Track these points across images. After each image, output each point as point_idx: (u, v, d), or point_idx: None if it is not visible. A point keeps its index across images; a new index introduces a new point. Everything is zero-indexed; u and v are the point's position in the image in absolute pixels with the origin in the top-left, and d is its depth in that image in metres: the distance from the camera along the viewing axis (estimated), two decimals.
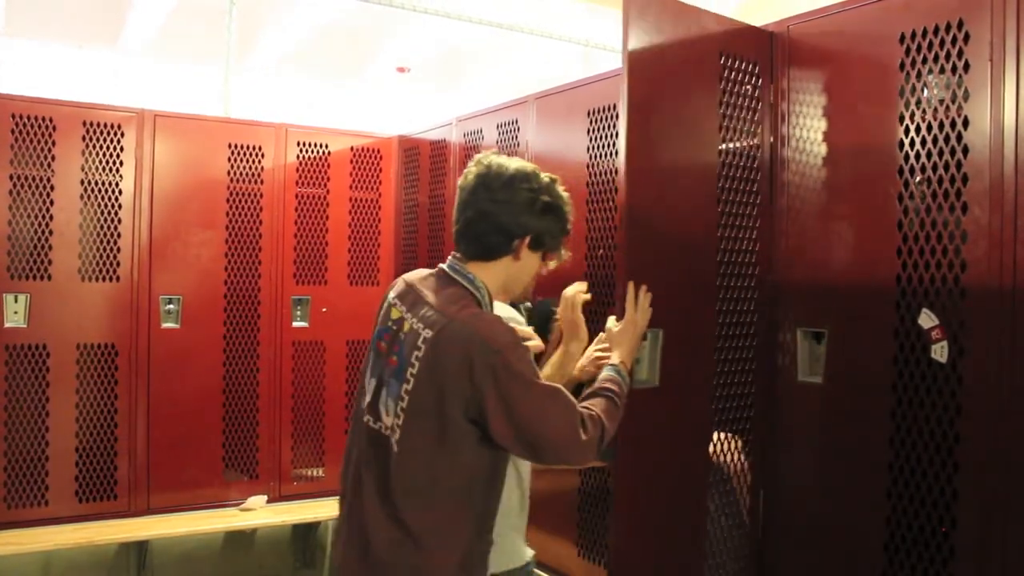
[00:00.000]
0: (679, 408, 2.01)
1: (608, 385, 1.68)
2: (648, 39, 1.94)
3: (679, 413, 2.01)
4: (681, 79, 2.04)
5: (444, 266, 1.70)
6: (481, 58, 6.42)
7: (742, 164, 2.19)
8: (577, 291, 1.96)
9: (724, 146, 2.19)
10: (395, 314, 1.67)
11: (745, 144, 2.19)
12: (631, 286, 1.82)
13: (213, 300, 3.63)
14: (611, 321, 1.85)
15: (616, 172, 2.64)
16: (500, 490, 1.65)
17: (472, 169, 1.68)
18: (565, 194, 1.72)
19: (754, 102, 2.17)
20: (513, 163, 1.67)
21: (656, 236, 1.98)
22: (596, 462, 1.67)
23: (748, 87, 2.17)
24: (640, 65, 1.90)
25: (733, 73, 2.10)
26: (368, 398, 1.68)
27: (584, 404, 1.62)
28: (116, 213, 3.44)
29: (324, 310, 3.85)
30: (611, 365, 1.74)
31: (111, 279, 3.43)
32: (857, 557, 1.89)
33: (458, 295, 1.63)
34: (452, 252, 1.72)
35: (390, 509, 1.57)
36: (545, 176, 1.69)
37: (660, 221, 2.00)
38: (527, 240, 1.66)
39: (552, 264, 1.77)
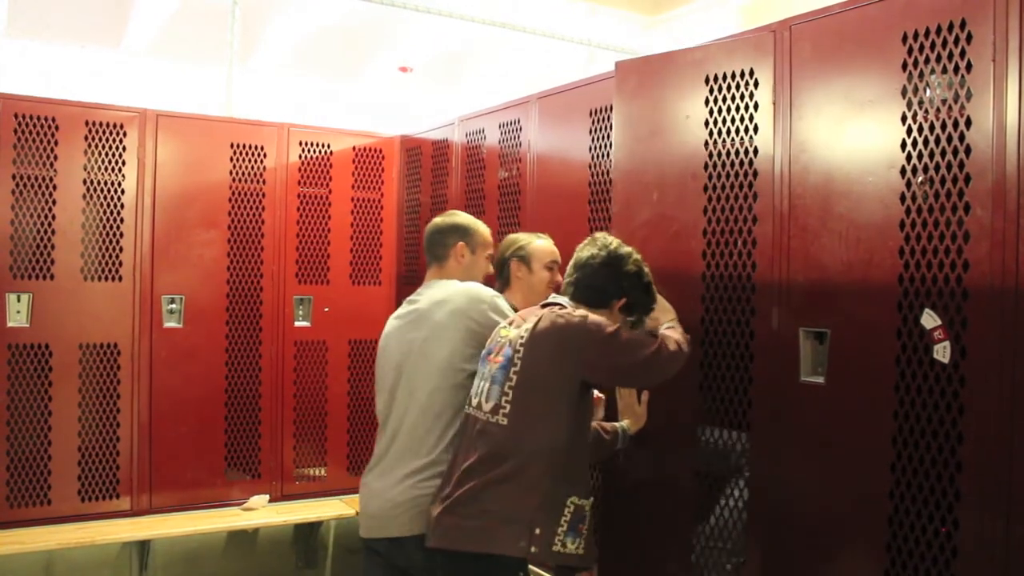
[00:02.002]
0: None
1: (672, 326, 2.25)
2: (633, 88, 2.51)
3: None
4: (663, 108, 2.44)
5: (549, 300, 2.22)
6: (483, 58, 6.41)
7: (741, 166, 2.19)
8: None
9: (717, 151, 2.26)
10: (503, 333, 2.17)
11: (743, 146, 2.19)
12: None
13: (215, 300, 3.63)
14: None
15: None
16: (580, 450, 2.09)
17: (588, 240, 2.22)
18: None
19: (752, 105, 2.17)
20: (623, 246, 2.19)
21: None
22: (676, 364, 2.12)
23: (744, 92, 2.20)
24: (625, 105, 2.52)
25: (722, 87, 2.26)
26: (475, 399, 2.14)
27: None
28: (119, 213, 3.45)
29: (326, 310, 3.85)
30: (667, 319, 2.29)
31: (113, 279, 3.44)
32: (860, 557, 1.89)
33: (553, 307, 2.13)
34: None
35: (502, 466, 2.00)
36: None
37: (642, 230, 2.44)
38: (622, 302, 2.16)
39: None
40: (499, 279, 2.62)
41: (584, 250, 2.20)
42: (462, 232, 2.43)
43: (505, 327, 2.18)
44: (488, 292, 2.33)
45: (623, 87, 2.54)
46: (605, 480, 2.57)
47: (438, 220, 2.49)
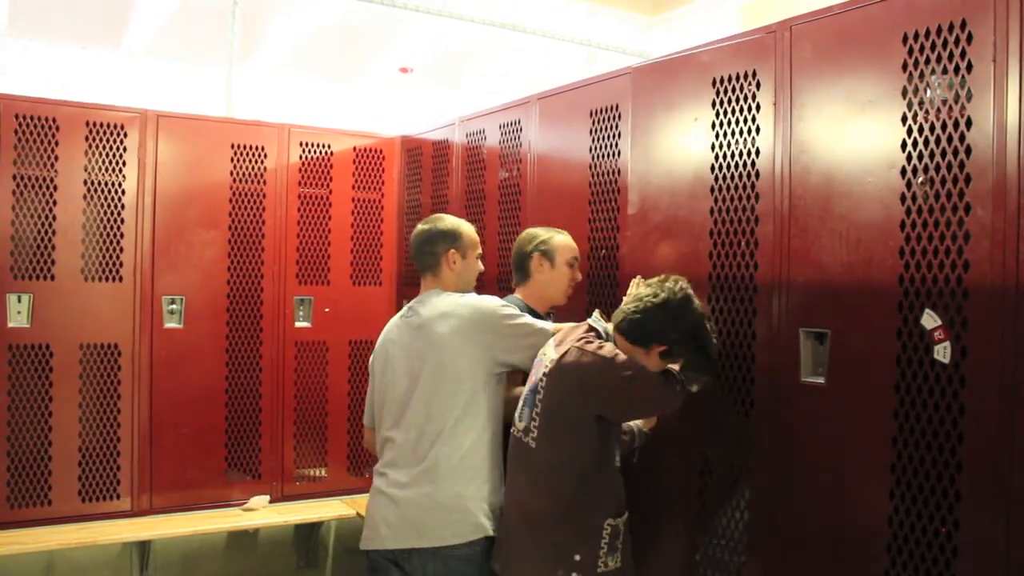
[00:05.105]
0: None
1: None
2: (648, 92, 2.56)
3: None
4: (674, 111, 2.46)
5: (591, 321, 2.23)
6: (483, 58, 6.41)
7: (744, 167, 2.20)
8: None
9: (723, 152, 2.28)
10: (544, 350, 2.21)
11: (746, 147, 2.20)
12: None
13: (216, 300, 3.63)
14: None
15: (618, 172, 2.65)
16: (609, 475, 2.13)
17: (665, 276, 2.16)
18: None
19: (754, 107, 2.18)
20: (696, 299, 2.12)
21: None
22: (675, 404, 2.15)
23: (747, 93, 2.21)
24: (640, 108, 2.57)
25: (727, 88, 2.28)
26: (515, 416, 2.21)
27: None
28: (119, 213, 3.45)
29: (327, 310, 3.85)
30: None
31: (114, 279, 3.44)
32: (860, 557, 1.89)
33: (583, 333, 2.16)
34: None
35: (534, 487, 2.12)
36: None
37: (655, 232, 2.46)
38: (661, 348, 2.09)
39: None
40: (518, 273, 2.59)
41: (650, 287, 2.13)
42: (450, 238, 2.40)
43: (550, 344, 2.20)
44: (491, 303, 2.33)
45: (639, 91, 2.57)
46: None
47: (423, 228, 2.44)
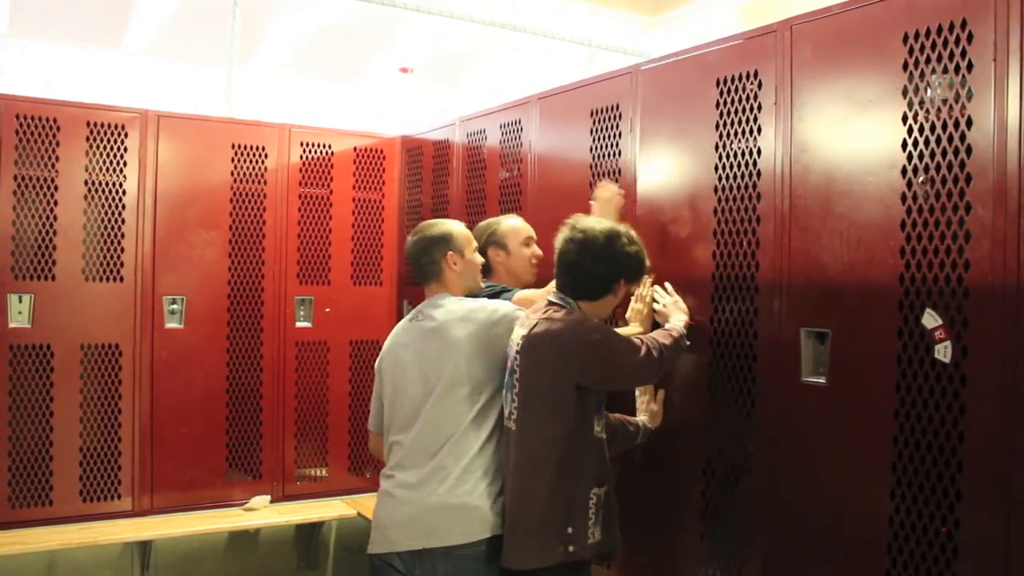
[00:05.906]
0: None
1: (671, 328, 2.28)
2: (658, 92, 2.57)
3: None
4: (678, 110, 2.48)
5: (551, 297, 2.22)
6: (483, 58, 6.41)
7: (746, 167, 2.20)
8: (613, 193, 2.50)
9: (726, 152, 2.28)
10: (513, 335, 2.21)
11: (748, 147, 2.20)
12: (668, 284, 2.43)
13: (216, 300, 3.63)
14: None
15: (619, 172, 2.66)
16: (590, 445, 2.12)
17: (567, 234, 2.17)
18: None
19: (756, 105, 2.18)
20: (600, 225, 2.16)
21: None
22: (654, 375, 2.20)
23: (749, 92, 2.21)
24: (642, 108, 2.59)
25: (731, 89, 2.28)
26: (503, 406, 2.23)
27: (648, 336, 2.20)
28: (120, 213, 3.45)
29: (327, 310, 3.85)
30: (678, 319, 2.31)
31: (115, 279, 3.44)
32: (860, 557, 1.89)
33: (545, 306, 2.17)
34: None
35: (522, 469, 2.12)
36: (623, 227, 2.18)
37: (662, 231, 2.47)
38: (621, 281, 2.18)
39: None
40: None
41: (566, 246, 2.16)
42: (444, 242, 2.39)
43: (516, 328, 2.22)
44: (507, 307, 2.34)
45: (640, 90, 2.59)
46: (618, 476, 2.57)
47: (414, 239, 2.43)
